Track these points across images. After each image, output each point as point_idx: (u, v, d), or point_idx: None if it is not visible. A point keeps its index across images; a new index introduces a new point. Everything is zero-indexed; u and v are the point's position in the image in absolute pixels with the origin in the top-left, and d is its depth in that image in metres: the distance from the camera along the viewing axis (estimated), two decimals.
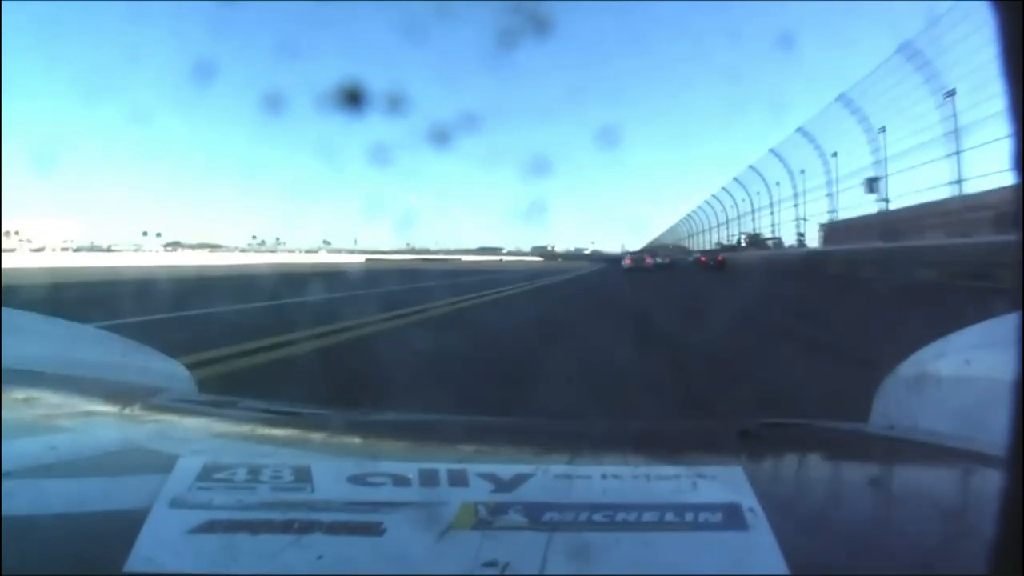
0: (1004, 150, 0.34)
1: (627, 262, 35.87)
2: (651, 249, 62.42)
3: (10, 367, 0.93)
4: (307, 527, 0.47)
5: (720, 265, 35.45)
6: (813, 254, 30.56)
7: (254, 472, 0.57)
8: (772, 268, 31.35)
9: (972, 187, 21.41)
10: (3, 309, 1.13)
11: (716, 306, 12.31)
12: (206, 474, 0.56)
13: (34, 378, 0.99)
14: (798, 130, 30.66)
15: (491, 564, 0.43)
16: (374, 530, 0.47)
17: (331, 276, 21.44)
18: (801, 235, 35.62)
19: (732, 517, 0.48)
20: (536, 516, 0.49)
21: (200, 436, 0.82)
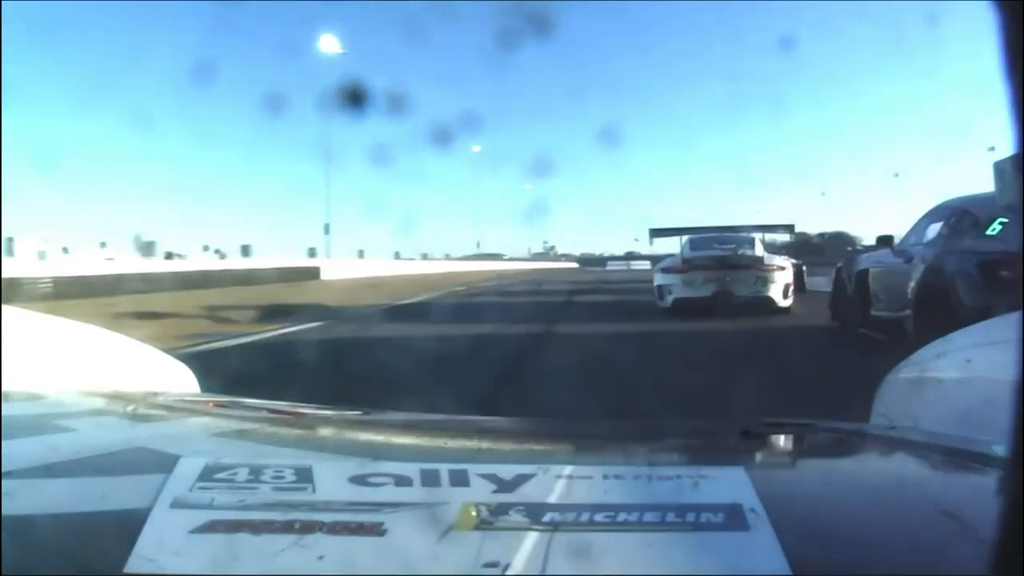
0: None
1: None
2: None
3: (10, 367, 0.93)
4: (308, 527, 0.47)
5: None
6: None
7: (255, 472, 0.57)
8: None
9: None
10: (3, 308, 1.13)
11: None
12: (207, 474, 0.56)
13: (34, 378, 0.99)
14: None
15: (492, 564, 0.43)
16: (375, 530, 0.47)
17: None
18: None
19: (734, 517, 0.48)
20: (537, 516, 0.49)
21: (201, 436, 0.82)
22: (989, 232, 4.58)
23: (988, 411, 0.69)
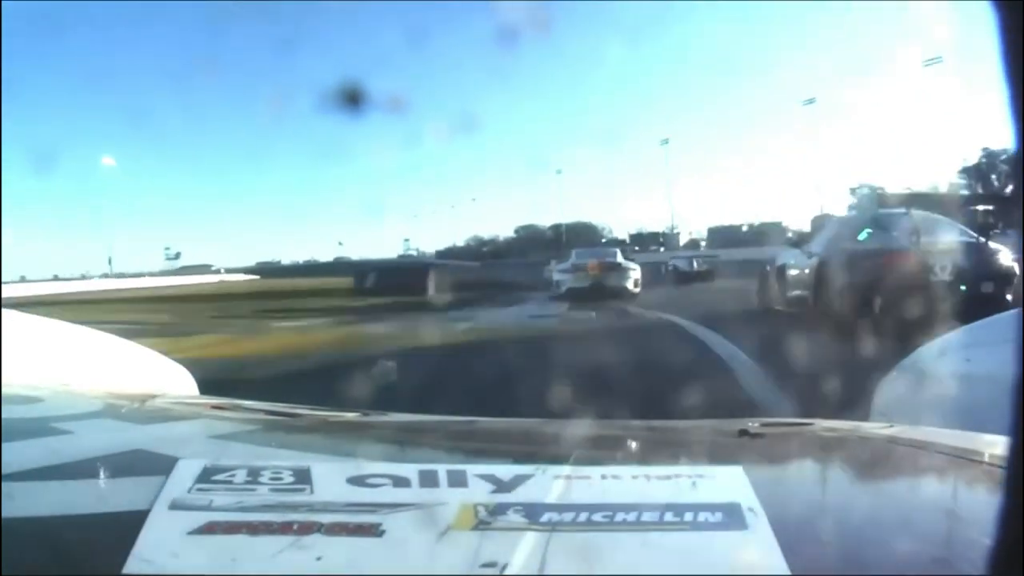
0: None
1: None
2: None
3: (10, 368, 0.93)
4: (307, 528, 0.47)
5: None
6: None
7: (253, 473, 0.57)
8: None
9: None
10: (3, 310, 1.13)
11: None
12: (205, 476, 0.56)
13: (34, 380, 0.99)
14: None
15: (490, 565, 0.43)
16: (373, 531, 0.47)
17: None
18: None
19: (732, 517, 0.48)
20: (535, 516, 0.49)
21: (199, 438, 0.82)
22: (860, 238, 7.10)
23: (988, 411, 0.69)
